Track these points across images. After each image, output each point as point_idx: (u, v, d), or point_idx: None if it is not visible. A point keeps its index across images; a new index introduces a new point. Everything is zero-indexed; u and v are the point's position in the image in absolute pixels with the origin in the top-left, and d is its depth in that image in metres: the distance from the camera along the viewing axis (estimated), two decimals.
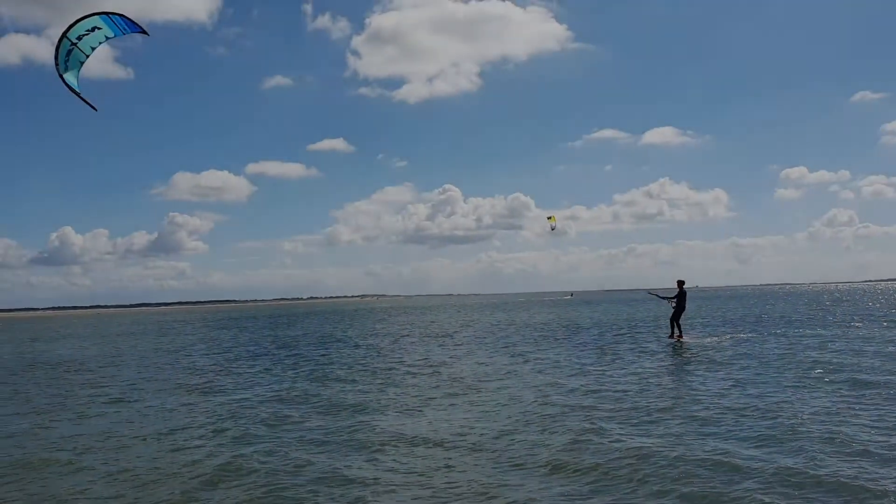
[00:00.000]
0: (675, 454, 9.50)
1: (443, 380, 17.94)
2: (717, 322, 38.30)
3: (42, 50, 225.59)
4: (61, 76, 11.41)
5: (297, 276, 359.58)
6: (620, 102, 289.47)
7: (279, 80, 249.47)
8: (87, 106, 12.06)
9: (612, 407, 13.17)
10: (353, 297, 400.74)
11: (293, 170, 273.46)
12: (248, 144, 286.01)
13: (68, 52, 11.54)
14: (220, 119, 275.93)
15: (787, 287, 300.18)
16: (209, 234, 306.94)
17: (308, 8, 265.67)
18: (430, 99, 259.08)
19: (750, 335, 28.11)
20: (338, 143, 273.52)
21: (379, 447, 10.71)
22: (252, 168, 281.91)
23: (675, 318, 25.91)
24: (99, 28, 11.65)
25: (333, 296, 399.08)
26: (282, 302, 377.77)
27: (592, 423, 11.64)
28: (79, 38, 11.57)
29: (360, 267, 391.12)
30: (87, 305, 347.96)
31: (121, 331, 61.20)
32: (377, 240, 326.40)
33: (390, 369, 20.84)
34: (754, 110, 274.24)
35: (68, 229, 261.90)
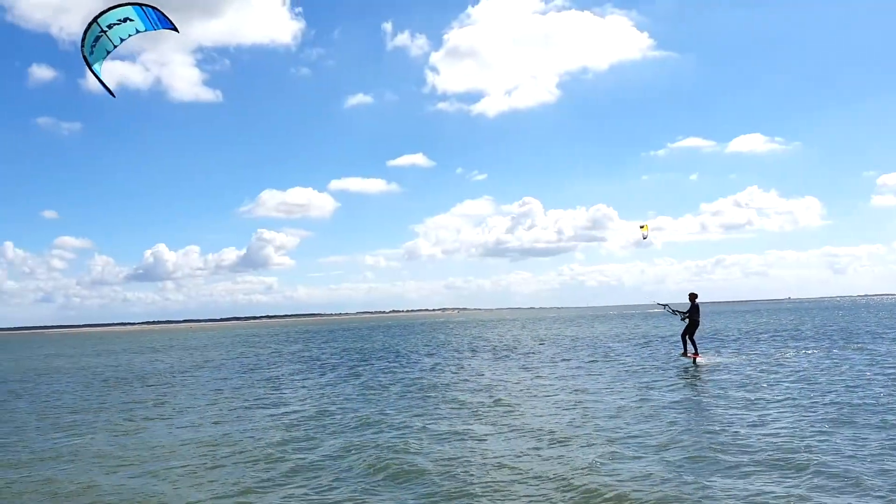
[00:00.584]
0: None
1: (486, 398, 18.23)
2: (775, 335, 37.28)
3: (136, 75, 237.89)
4: (86, 59, 11.25)
5: (379, 290, 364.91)
6: (704, 110, 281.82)
7: (360, 98, 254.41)
8: (108, 93, 12.19)
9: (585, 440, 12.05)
10: (434, 310, 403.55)
11: (374, 185, 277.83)
12: (331, 161, 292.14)
13: (96, 39, 11.22)
14: (304, 137, 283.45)
15: (888, 298, 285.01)
16: (295, 249, 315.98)
17: (388, 27, 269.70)
18: (509, 111, 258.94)
19: (794, 351, 26.48)
20: (417, 158, 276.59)
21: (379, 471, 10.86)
22: (335, 184, 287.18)
23: (689, 335, 24.05)
24: (131, 20, 11.36)
25: (414, 309, 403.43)
26: (365, 315, 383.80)
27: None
28: (109, 27, 11.22)
29: (440, 280, 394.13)
30: (180, 320, 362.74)
31: (208, 343, 63.90)
32: (457, 253, 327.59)
33: (443, 385, 21.38)
34: (845, 115, 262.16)
35: (162, 246, 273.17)
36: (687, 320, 23.87)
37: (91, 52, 11.22)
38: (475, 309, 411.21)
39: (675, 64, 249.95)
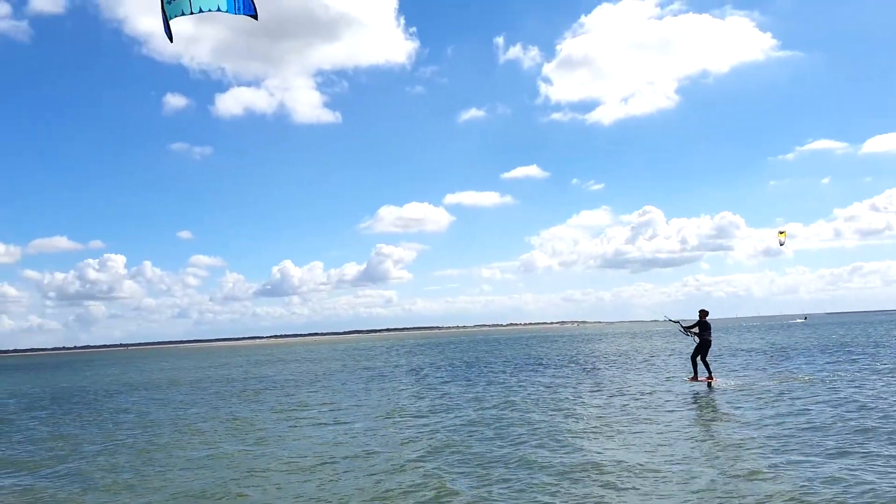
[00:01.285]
0: None
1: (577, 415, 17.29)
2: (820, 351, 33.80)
3: (261, 101, 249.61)
4: (163, 8, 10.85)
5: (496, 303, 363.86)
6: (835, 110, 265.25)
7: (473, 113, 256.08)
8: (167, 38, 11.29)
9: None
10: (552, 323, 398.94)
11: (488, 198, 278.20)
12: (446, 176, 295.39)
13: None
14: (419, 153, 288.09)
15: None
16: (412, 263, 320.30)
17: (500, 41, 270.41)
18: (626, 119, 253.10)
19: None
20: (531, 170, 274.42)
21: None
22: (450, 199, 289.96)
23: (700, 356, 21.48)
24: None
25: (533, 322, 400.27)
26: (483, 328, 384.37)
27: None
28: None
29: (558, 293, 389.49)
30: (305, 333, 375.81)
31: (332, 355, 65.40)
32: (574, 265, 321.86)
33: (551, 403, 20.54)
34: None
35: (288, 262, 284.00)
36: (697, 339, 21.51)
37: (169, 3, 10.88)
38: (595, 322, 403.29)
39: (802, 63, 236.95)
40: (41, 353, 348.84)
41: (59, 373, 63.50)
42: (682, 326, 22.12)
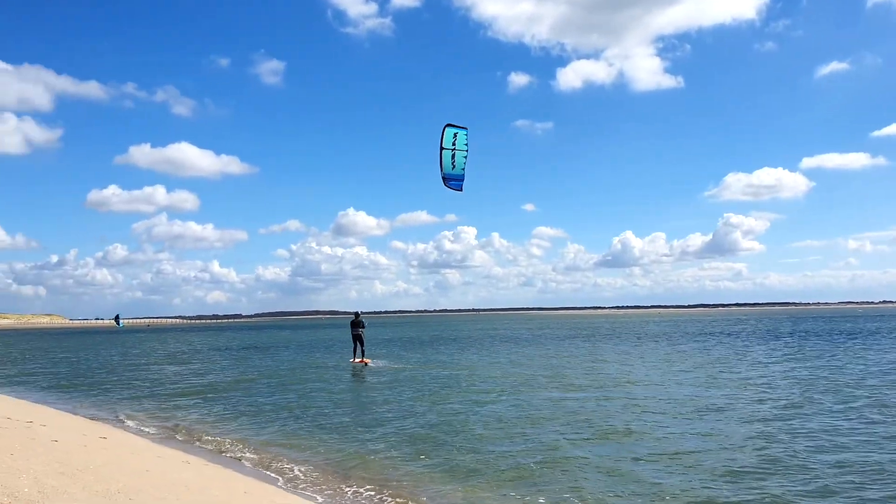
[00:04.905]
0: None
1: None
2: None
3: (600, 72, 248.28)
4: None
5: (865, 278, 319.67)
6: None
7: (834, 67, 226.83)
8: None
9: None
10: None
11: (855, 160, 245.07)
12: (802, 138, 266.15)
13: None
14: (770, 115, 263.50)
15: None
16: (764, 234, 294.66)
17: None
18: None
19: None
20: None
21: None
22: (807, 162, 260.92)
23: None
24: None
25: None
26: (848, 305, 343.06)
27: None
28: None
29: None
30: (647, 305, 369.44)
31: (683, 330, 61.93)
32: None
33: None
34: None
35: (629, 233, 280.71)
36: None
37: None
38: None
39: None
40: (407, 314, 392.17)
41: (428, 328, 69.27)
42: None
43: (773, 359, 26.53)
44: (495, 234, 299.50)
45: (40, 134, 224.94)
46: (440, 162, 13.82)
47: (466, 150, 13.95)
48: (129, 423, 14.38)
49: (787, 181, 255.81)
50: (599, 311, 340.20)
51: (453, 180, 14.05)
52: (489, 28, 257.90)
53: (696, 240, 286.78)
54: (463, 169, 14.00)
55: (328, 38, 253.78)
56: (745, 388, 17.49)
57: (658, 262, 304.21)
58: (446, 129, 13.94)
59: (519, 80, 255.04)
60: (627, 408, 14.53)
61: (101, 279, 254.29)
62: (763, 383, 18.58)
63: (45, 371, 28.59)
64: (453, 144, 13.89)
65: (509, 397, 16.59)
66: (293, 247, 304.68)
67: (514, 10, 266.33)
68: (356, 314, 26.63)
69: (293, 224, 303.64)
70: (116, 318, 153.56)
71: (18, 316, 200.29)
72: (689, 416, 13.47)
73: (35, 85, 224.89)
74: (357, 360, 27.06)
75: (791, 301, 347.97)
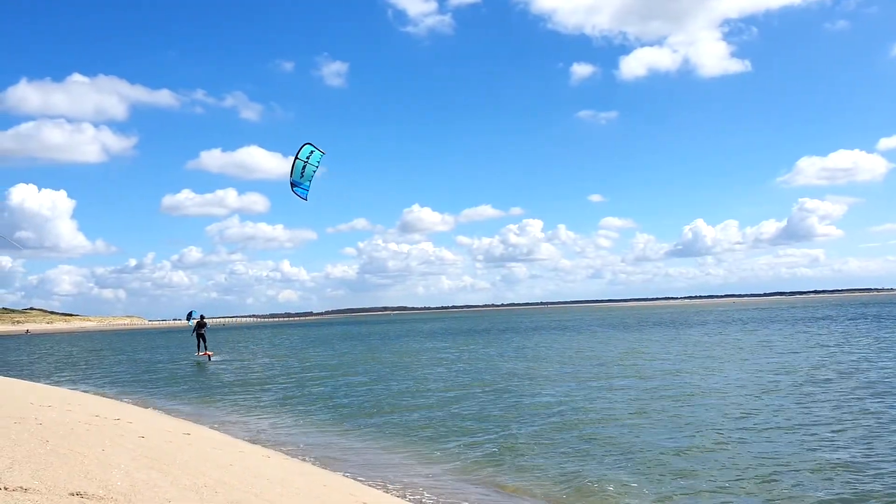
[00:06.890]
0: None
1: None
2: None
3: (664, 59, 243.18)
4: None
5: None
6: None
7: None
8: None
9: None
10: None
11: None
12: (879, 118, 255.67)
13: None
14: (843, 96, 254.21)
15: None
16: (842, 218, 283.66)
17: None
18: None
19: None
20: None
21: None
22: (885, 143, 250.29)
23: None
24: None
25: None
26: None
27: None
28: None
29: None
30: (720, 295, 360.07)
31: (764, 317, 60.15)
32: None
33: None
34: None
35: (700, 221, 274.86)
36: None
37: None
38: None
39: None
40: (474, 308, 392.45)
41: (490, 320, 69.26)
42: None
43: None
44: (561, 226, 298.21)
45: (116, 142, 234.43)
46: (291, 169, 14.92)
47: (317, 167, 15.10)
48: (209, 419, 14.78)
49: (864, 163, 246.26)
50: (671, 301, 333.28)
51: (299, 187, 15.10)
52: (549, 20, 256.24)
53: (770, 226, 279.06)
54: (310, 181, 15.18)
55: (389, 38, 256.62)
56: None
57: (731, 250, 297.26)
58: (305, 145, 15.02)
59: (581, 70, 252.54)
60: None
61: (177, 281, 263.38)
62: None
63: (126, 371, 29.78)
64: (307, 158, 14.95)
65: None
66: (360, 244, 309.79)
67: (572, 1, 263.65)
68: (202, 316, 32.73)
69: (360, 222, 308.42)
70: (188, 316, 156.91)
71: (101, 318, 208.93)
72: None
73: (110, 95, 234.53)
74: (201, 353, 32.79)
75: (873, 287, 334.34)
